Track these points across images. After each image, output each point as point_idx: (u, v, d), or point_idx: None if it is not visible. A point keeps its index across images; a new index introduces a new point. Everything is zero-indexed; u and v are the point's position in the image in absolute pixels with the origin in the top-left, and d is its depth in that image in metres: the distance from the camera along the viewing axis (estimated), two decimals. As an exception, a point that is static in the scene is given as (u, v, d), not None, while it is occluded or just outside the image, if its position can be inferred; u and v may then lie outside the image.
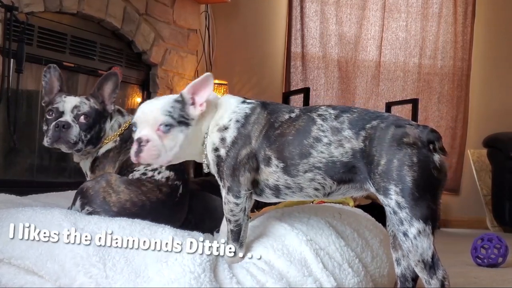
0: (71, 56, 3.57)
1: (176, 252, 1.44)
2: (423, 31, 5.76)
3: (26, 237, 1.51)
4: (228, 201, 1.59)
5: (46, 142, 1.96)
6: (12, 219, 1.58)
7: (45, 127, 1.99)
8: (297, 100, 5.32)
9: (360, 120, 1.53)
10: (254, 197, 1.64)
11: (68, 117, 1.97)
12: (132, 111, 4.30)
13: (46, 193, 2.34)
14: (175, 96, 1.62)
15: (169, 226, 1.59)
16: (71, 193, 2.06)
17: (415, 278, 1.62)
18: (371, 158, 1.49)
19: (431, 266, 1.45)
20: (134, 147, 1.58)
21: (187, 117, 1.59)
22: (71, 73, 3.58)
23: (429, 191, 1.46)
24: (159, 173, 1.91)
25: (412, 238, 1.44)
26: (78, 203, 1.83)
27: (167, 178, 1.91)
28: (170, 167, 1.93)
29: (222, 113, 1.63)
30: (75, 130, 1.95)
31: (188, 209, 2.02)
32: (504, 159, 5.23)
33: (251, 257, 1.61)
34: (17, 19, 3.02)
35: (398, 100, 5.55)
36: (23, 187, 2.85)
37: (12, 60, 3.00)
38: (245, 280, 1.48)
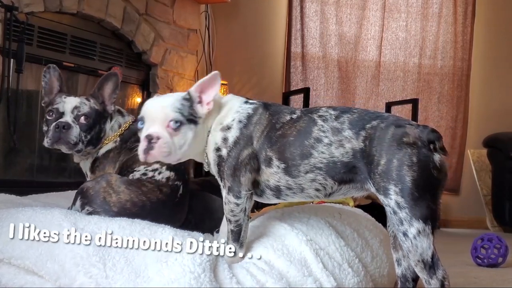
0: (71, 56, 3.57)
1: (176, 252, 1.43)
2: (423, 31, 5.76)
3: (26, 237, 1.51)
4: (229, 201, 1.59)
5: (46, 142, 1.96)
6: (12, 219, 1.58)
7: (45, 128, 1.99)
8: (297, 100, 5.32)
9: (360, 120, 1.54)
10: (255, 198, 1.64)
11: (68, 118, 1.96)
12: (132, 111, 4.32)
13: (46, 193, 2.34)
14: (182, 94, 1.61)
15: (169, 226, 1.59)
16: (71, 193, 2.06)
17: (416, 278, 1.62)
18: (371, 158, 1.49)
19: (431, 266, 1.45)
20: (144, 144, 1.55)
21: (195, 115, 1.59)
22: (71, 73, 3.59)
23: (429, 191, 1.46)
24: (159, 173, 1.91)
25: (412, 238, 1.44)
26: (78, 203, 1.83)
27: (168, 179, 1.91)
28: (170, 168, 1.93)
29: (226, 112, 1.63)
30: (75, 131, 1.95)
31: (188, 209, 2.02)
32: (504, 159, 5.23)
33: (251, 257, 1.61)
34: (17, 19, 3.02)
35: (398, 100, 5.55)
36: (23, 187, 2.85)
37: (12, 60, 3.00)
38: (245, 280, 1.48)
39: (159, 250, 1.47)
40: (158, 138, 1.53)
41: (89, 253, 1.43)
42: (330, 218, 1.85)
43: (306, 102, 4.82)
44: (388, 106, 5.28)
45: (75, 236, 1.48)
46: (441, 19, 5.78)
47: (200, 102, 1.60)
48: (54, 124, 1.94)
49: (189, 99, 1.60)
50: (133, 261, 1.43)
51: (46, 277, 1.44)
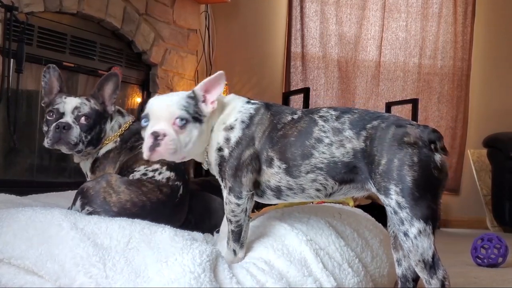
0: (71, 56, 3.57)
1: (176, 252, 1.43)
2: (423, 31, 5.76)
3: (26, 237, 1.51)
4: (230, 202, 1.59)
5: (46, 143, 1.96)
6: (12, 219, 1.58)
7: (45, 128, 1.99)
8: (297, 100, 5.32)
9: (361, 120, 1.54)
10: (255, 198, 1.64)
11: (68, 118, 1.96)
12: (132, 111, 4.32)
13: (46, 193, 2.34)
14: (187, 93, 1.61)
15: (169, 226, 1.59)
16: (71, 193, 2.06)
17: (416, 278, 1.62)
18: (372, 158, 1.49)
19: (432, 266, 1.45)
20: (149, 141, 1.54)
21: (200, 114, 1.59)
22: (71, 73, 3.59)
23: (429, 191, 1.46)
24: (159, 173, 1.91)
25: (413, 238, 1.44)
26: (78, 203, 1.83)
27: (168, 179, 1.91)
28: (170, 168, 1.93)
29: (229, 112, 1.63)
30: (75, 131, 1.95)
31: (188, 209, 2.02)
32: (504, 159, 5.23)
33: (251, 257, 1.61)
34: (17, 19, 3.02)
35: (398, 100, 5.55)
36: (23, 187, 2.85)
37: (12, 60, 3.00)
38: (245, 280, 1.47)
39: (159, 250, 1.47)
40: (164, 135, 1.53)
41: (89, 253, 1.43)
42: (330, 218, 1.85)
43: (306, 102, 4.82)
44: (388, 106, 5.28)
45: (75, 236, 1.48)
46: (441, 19, 5.78)
47: (204, 101, 1.61)
48: (54, 124, 1.94)
49: (194, 98, 1.60)
50: (133, 261, 1.43)
51: (46, 277, 1.44)
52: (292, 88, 5.48)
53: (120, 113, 2.11)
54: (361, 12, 5.70)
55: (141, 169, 1.92)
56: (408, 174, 1.45)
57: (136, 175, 1.91)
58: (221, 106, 1.64)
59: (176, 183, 1.92)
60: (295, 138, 1.56)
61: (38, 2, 3.21)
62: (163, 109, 1.56)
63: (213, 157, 1.62)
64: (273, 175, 1.58)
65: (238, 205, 1.58)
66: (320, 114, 1.59)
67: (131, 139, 2.04)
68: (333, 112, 1.58)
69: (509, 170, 5.18)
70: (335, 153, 1.52)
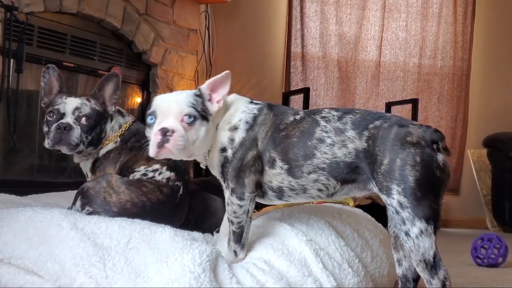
0: (71, 56, 3.57)
1: (176, 252, 1.43)
2: (423, 31, 5.76)
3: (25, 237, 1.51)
4: (232, 203, 1.58)
5: (47, 144, 1.96)
6: (12, 219, 1.58)
7: (45, 129, 1.98)
8: (297, 100, 5.32)
9: (363, 120, 1.54)
10: (257, 199, 1.63)
11: (69, 119, 1.96)
12: (132, 111, 4.31)
13: (46, 193, 2.34)
14: (194, 91, 1.61)
15: (169, 226, 1.59)
16: (71, 193, 2.06)
17: (416, 278, 1.62)
18: (374, 157, 1.49)
19: (433, 266, 1.45)
20: (158, 138, 1.52)
21: (207, 112, 1.58)
22: (71, 73, 3.58)
23: (431, 191, 1.46)
24: (159, 174, 1.91)
25: (414, 237, 1.44)
26: (78, 203, 1.83)
27: (168, 179, 1.91)
28: (170, 168, 1.93)
29: (233, 112, 1.63)
30: (76, 132, 1.95)
31: (188, 209, 2.02)
32: (504, 159, 5.23)
33: (251, 257, 1.61)
34: (17, 19, 3.01)
35: (398, 100, 5.55)
36: (23, 187, 2.85)
37: (12, 60, 3.00)
38: (245, 280, 1.47)
39: (159, 250, 1.47)
40: (173, 131, 1.51)
41: (89, 253, 1.43)
42: (330, 218, 1.85)
43: (306, 102, 4.81)
44: (388, 106, 5.27)
45: (75, 236, 1.48)
46: (441, 19, 5.78)
47: (210, 100, 1.60)
48: (55, 125, 1.94)
49: (200, 96, 1.59)
50: (133, 261, 1.43)
51: (46, 277, 1.44)
52: (292, 88, 5.48)
53: (120, 113, 2.10)
54: (361, 12, 5.70)
55: (141, 169, 1.92)
56: (410, 174, 1.45)
57: (136, 175, 1.91)
58: (225, 106, 1.64)
59: (176, 183, 1.92)
60: (297, 138, 1.56)
61: (38, 2, 3.21)
62: (171, 106, 1.55)
63: (216, 158, 1.61)
64: (275, 175, 1.58)
65: (240, 206, 1.58)
66: (322, 115, 1.58)
67: (131, 139, 2.04)
68: (335, 113, 1.58)
69: (509, 170, 5.18)
70: (337, 154, 1.52)
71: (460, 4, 5.79)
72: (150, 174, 1.90)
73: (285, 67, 5.60)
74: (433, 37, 5.77)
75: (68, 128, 1.93)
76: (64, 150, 1.97)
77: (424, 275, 1.47)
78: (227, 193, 1.61)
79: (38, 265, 1.45)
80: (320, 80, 5.60)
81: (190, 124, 1.54)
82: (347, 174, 1.53)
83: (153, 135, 1.53)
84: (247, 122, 1.60)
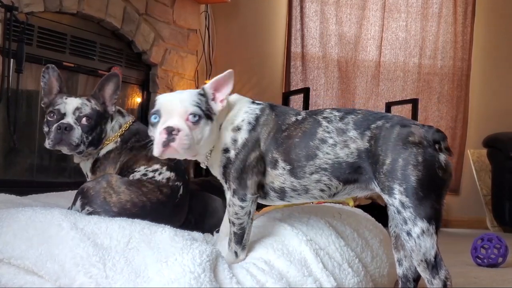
0: (71, 56, 3.57)
1: (176, 252, 1.43)
2: (423, 31, 5.76)
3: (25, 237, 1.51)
4: (233, 204, 1.58)
5: (48, 144, 1.95)
6: (12, 219, 1.58)
7: (46, 129, 1.98)
8: (297, 100, 5.32)
9: (365, 120, 1.54)
10: (258, 200, 1.63)
11: (70, 119, 1.95)
12: (132, 111, 4.30)
13: (46, 193, 2.34)
14: (197, 90, 1.60)
15: (169, 226, 1.59)
16: (71, 193, 2.06)
17: (417, 278, 1.62)
18: (377, 157, 1.49)
19: (434, 265, 1.44)
20: (163, 137, 1.49)
21: (211, 111, 1.57)
22: (71, 73, 3.59)
23: (433, 191, 1.46)
24: (159, 174, 1.91)
25: (416, 237, 1.44)
26: (78, 203, 1.83)
27: (168, 179, 1.91)
28: (170, 168, 1.93)
29: (236, 112, 1.62)
30: (77, 132, 1.94)
31: (188, 209, 2.01)
32: (504, 159, 5.23)
33: (251, 257, 1.61)
34: (17, 19, 3.01)
35: (398, 100, 5.55)
36: (23, 187, 2.85)
37: (12, 60, 3.00)
38: (245, 280, 1.47)
39: (159, 250, 1.47)
40: (178, 130, 1.49)
41: (89, 253, 1.43)
42: (330, 218, 1.85)
43: (306, 102, 4.82)
44: (388, 106, 5.28)
45: (75, 236, 1.48)
46: (441, 19, 5.78)
47: (213, 99, 1.59)
48: (56, 125, 1.93)
49: (204, 95, 1.58)
50: (133, 261, 1.43)
51: (46, 277, 1.44)
52: (292, 88, 5.48)
53: (120, 113, 2.10)
54: (361, 12, 5.70)
55: (141, 169, 1.92)
56: (412, 174, 1.44)
57: (136, 175, 1.90)
58: (227, 106, 1.62)
59: (176, 183, 1.92)
60: (300, 139, 1.56)
61: (38, 2, 3.21)
62: (176, 105, 1.53)
63: (218, 158, 1.60)
64: (277, 176, 1.57)
65: (242, 207, 1.57)
66: (324, 115, 1.58)
67: (132, 139, 2.04)
68: (336, 113, 1.58)
69: (509, 170, 5.18)
70: (339, 154, 1.52)
71: (460, 4, 5.79)
72: (150, 174, 1.90)
73: (285, 67, 5.60)
74: (433, 37, 5.77)
75: (68, 128, 1.93)
76: (65, 150, 1.97)
77: (425, 275, 1.47)
78: (228, 194, 1.60)
79: (38, 265, 1.45)
80: (320, 80, 5.61)
81: (195, 123, 1.52)
82: (349, 174, 1.53)
83: (158, 134, 1.51)
84: (249, 123, 1.59)
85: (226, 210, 1.75)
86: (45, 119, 1.99)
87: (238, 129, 1.59)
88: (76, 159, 2.07)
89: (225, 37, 5.47)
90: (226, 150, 1.58)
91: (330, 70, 5.62)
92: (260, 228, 1.74)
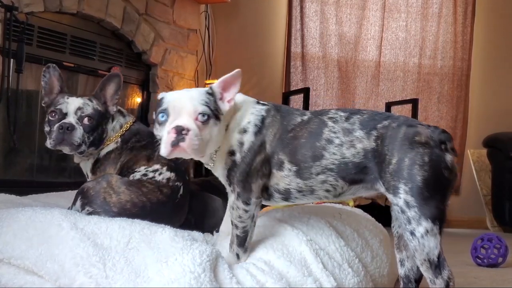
0: (71, 56, 3.57)
1: (176, 252, 1.43)
2: (423, 31, 5.76)
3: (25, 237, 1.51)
4: (237, 207, 1.57)
5: (49, 144, 1.94)
6: (12, 219, 1.58)
7: (47, 128, 1.97)
8: (297, 100, 5.32)
9: (371, 120, 1.53)
10: (262, 201, 1.62)
11: (71, 119, 1.95)
12: (132, 111, 4.30)
13: (46, 193, 2.34)
14: (205, 89, 1.56)
15: (169, 227, 1.59)
16: (71, 193, 2.06)
17: (418, 279, 1.62)
18: (383, 157, 1.49)
19: (437, 265, 1.44)
20: (172, 136, 1.45)
21: (219, 111, 1.54)
22: (71, 73, 3.58)
23: (439, 191, 1.46)
24: (160, 174, 1.91)
25: (419, 237, 1.44)
26: (78, 203, 1.83)
27: (168, 179, 1.91)
28: (171, 168, 1.93)
29: (243, 113, 1.60)
30: (79, 132, 1.94)
31: (188, 209, 2.01)
32: (504, 159, 5.23)
33: (251, 257, 1.61)
34: (17, 19, 3.01)
35: (398, 100, 5.55)
36: (23, 187, 2.85)
37: (12, 60, 3.00)
38: (245, 280, 1.47)
39: (159, 250, 1.46)
40: (188, 130, 1.46)
41: (89, 253, 1.43)
42: (330, 218, 1.85)
43: (306, 102, 4.82)
44: (388, 106, 5.28)
45: (75, 236, 1.48)
46: (441, 19, 5.78)
47: (221, 99, 1.56)
48: (57, 125, 1.93)
49: (212, 94, 1.55)
50: (133, 261, 1.43)
51: (46, 277, 1.44)
52: (292, 88, 5.48)
53: (121, 113, 2.10)
54: (361, 12, 5.70)
55: (142, 169, 1.92)
56: (418, 174, 1.44)
57: (137, 175, 1.90)
58: (234, 106, 1.59)
59: (176, 183, 1.92)
60: (306, 139, 1.54)
61: (38, 2, 3.21)
62: (185, 104, 1.49)
63: (223, 160, 1.58)
64: (283, 178, 1.56)
65: (246, 211, 1.56)
66: (329, 115, 1.57)
67: (132, 139, 2.04)
68: (342, 113, 1.57)
69: (509, 170, 5.18)
70: (345, 154, 1.52)
71: (460, 4, 5.79)
72: (150, 175, 1.90)
73: (285, 67, 5.60)
74: (433, 37, 5.77)
75: (70, 128, 1.93)
76: (66, 150, 1.96)
77: (428, 274, 1.46)
78: (232, 197, 1.58)
79: (38, 265, 1.45)
80: (320, 80, 5.61)
81: (204, 123, 1.49)
82: (355, 174, 1.52)
83: (166, 134, 1.47)
84: (256, 125, 1.57)
85: (227, 210, 1.75)
86: (46, 119, 1.98)
87: (244, 131, 1.57)
88: (76, 159, 2.07)
89: (225, 37, 5.47)
90: (232, 153, 1.56)
91: (330, 70, 5.62)
92: (260, 228, 1.74)
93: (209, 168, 1.64)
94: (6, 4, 2.96)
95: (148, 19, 4.22)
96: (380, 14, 5.72)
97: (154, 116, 1.57)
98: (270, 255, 1.60)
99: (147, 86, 4.35)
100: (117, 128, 2.05)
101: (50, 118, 1.96)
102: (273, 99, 5.12)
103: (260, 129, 1.57)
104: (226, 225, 1.78)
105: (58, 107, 1.96)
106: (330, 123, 1.55)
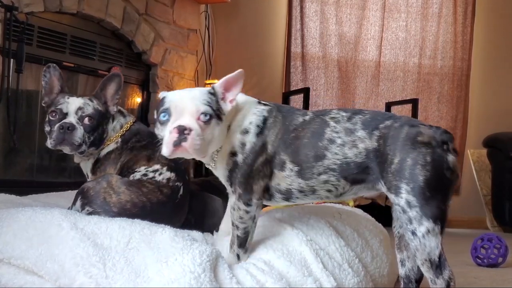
0: (71, 56, 3.57)
1: (176, 252, 1.43)
2: (423, 31, 5.76)
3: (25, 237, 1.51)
4: (238, 208, 1.57)
5: (50, 144, 1.94)
6: (12, 219, 1.58)
7: (47, 128, 1.97)
8: (297, 100, 5.32)
9: (373, 120, 1.53)
10: (263, 201, 1.62)
11: (72, 119, 1.95)
12: (132, 111, 4.30)
13: (46, 193, 2.34)
14: (207, 88, 1.56)
15: (169, 227, 1.59)
16: (71, 193, 2.05)
17: (419, 279, 1.62)
18: (385, 157, 1.49)
19: (438, 265, 1.44)
20: (173, 136, 1.44)
21: (221, 111, 1.53)
22: (71, 73, 3.58)
23: (440, 191, 1.46)
24: (160, 174, 1.91)
25: (421, 236, 1.44)
26: (78, 203, 1.83)
27: (168, 179, 1.91)
28: (171, 168, 1.93)
29: (244, 113, 1.59)
30: (79, 132, 1.94)
31: (188, 209, 2.01)
32: (504, 159, 5.23)
33: (251, 257, 1.61)
34: (17, 19, 3.01)
35: (398, 100, 5.55)
36: (23, 187, 2.85)
37: (12, 60, 3.00)
38: (245, 280, 1.47)
39: (159, 250, 1.46)
40: (190, 130, 1.45)
41: (89, 253, 1.43)
42: (330, 218, 1.85)
43: (306, 102, 4.82)
44: (388, 106, 5.28)
45: (75, 236, 1.48)
46: (441, 19, 5.78)
47: (223, 99, 1.55)
48: (58, 125, 1.92)
49: (214, 94, 1.54)
50: (133, 261, 1.43)
51: (46, 277, 1.44)
52: (292, 88, 5.48)
53: (121, 113, 2.10)
54: (361, 12, 5.70)
55: (142, 169, 1.92)
56: (420, 174, 1.44)
57: (137, 175, 1.90)
58: (235, 106, 1.59)
59: (176, 183, 1.92)
60: (308, 140, 1.54)
61: (38, 2, 3.21)
62: (187, 103, 1.48)
63: (224, 161, 1.57)
64: (285, 178, 1.55)
65: (247, 212, 1.56)
66: (331, 116, 1.57)
67: (132, 139, 2.04)
68: (344, 113, 1.57)
69: (509, 170, 5.18)
70: (347, 154, 1.51)
71: (460, 4, 5.79)
72: (151, 175, 1.90)
73: (285, 67, 5.60)
74: (433, 37, 5.77)
75: (71, 128, 1.92)
76: (67, 150, 1.96)
77: (428, 274, 1.46)
78: (233, 198, 1.58)
79: (38, 265, 1.45)
80: (320, 80, 5.61)
81: (206, 122, 1.48)
82: (357, 174, 1.52)
83: (168, 133, 1.46)
84: (257, 126, 1.57)
85: (227, 210, 1.75)
86: (47, 119, 1.98)
87: (246, 132, 1.56)
88: (76, 159, 2.07)
89: (225, 37, 5.47)
90: (234, 154, 1.56)
91: (330, 70, 5.62)
92: (260, 228, 1.74)
93: (210, 168, 1.64)
94: (6, 4, 2.96)
95: (148, 19, 4.22)
96: (380, 14, 5.72)
97: (155, 116, 1.56)
98: (270, 255, 1.60)
99: (147, 86, 4.35)
100: (117, 128, 2.05)
101: (51, 118, 1.96)
102: (273, 99, 5.11)
103: (262, 129, 1.57)
104: (225, 224, 1.78)
105: (59, 107, 1.96)
106: (332, 123, 1.55)
